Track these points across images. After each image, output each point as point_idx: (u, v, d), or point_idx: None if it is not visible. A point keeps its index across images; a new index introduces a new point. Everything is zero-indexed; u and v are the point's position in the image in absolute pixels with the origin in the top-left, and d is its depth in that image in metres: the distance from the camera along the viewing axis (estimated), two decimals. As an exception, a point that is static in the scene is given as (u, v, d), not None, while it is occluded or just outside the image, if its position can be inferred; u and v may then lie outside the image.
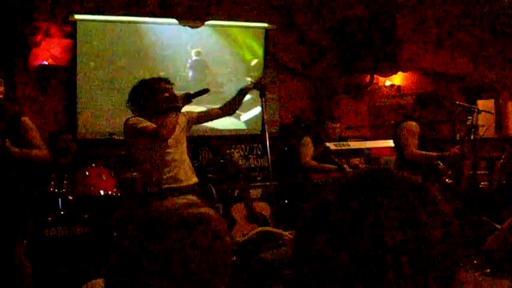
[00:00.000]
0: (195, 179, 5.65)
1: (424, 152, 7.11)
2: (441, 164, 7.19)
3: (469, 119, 7.52)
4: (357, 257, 1.10)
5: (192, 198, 1.86)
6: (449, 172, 7.36)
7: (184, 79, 9.74)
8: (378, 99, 13.56)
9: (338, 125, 8.67)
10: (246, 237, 4.76)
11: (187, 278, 1.62)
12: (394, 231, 1.10)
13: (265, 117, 6.33)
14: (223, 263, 1.71)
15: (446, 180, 7.11)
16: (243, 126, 10.36)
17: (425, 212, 1.14)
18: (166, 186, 5.35)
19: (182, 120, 5.56)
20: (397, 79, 13.42)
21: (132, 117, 5.43)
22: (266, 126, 6.28)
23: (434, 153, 7.13)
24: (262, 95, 6.06)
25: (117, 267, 1.68)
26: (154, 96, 5.40)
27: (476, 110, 7.71)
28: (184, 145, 5.64)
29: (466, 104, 8.10)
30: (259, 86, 6.11)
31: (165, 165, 5.41)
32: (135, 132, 5.25)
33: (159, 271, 1.62)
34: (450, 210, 1.20)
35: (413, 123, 7.25)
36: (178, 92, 5.42)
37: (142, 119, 5.36)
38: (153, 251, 1.63)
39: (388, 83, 13.46)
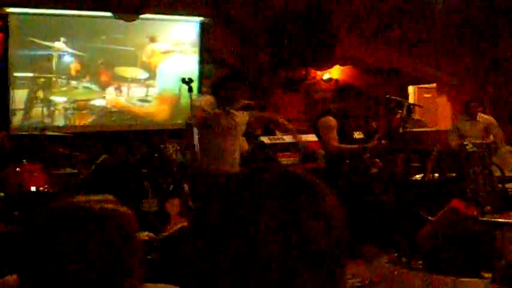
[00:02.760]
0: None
1: (343, 145, 7.19)
2: (367, 155, 7.29)
3: (399, 113, 7.63)
4: (232, 254, 1.11)
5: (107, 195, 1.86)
6: (378, 162, 7.46)
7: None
8: (315, 93, 13.65)
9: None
10: (167, 232, 4.75)
11: (96, 273, 1.62)
12: (272, 229, 1.10)
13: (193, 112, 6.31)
14: (132, 260, 1.71)
15: (373, 170, 7.21)
16: (179, 121, 10.29)
17: (308, 211, 1.14)
18: None
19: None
20: (335, 73, 13.52)
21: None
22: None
23: (355, 146, 7.22)
24: (189, 90, 6.06)
25: (28, 263, 1.67)
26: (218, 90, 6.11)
27: (406, 103, 7.81)
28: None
29: (397, 98, 8.20)
30: (185, 81, 6.13)
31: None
32: None
33: (69, 266, 1.61)
34: (338, 209, 1.20)
35: (330, 117, 7.33)
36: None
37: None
38: (62, 246, 1.63)
39: (326, 76, 13.56)
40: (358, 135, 7.85)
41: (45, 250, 1.63)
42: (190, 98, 6.14)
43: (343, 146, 7.23)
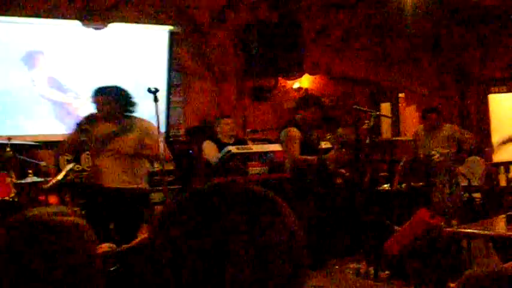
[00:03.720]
0: None
1: (304, 157, 7.21)
2: (330, 165, 7.31)
3: (366, 123, 7.65)
4: (198, 268, 1.12)
5: (62, 207, 1.85)
6: (343, 173, 7.48)
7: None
8: (285, 102, 13.66)
9: (231, 121, 8.53)
10: (130, 244, 4.69)
11: (55, 285, 1.62)
12: (238, 244, 1.11)
13: (159, 121, 6.31)
14: (91, 272, 1.71)
15: (338, 180, 7.23)
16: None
17: (271, 225, 1.16)
18: None
19: None
20: (305, 82, 13.55)
21: None
22: (159, 130, 6.30)
23: (314, 157, 7.23)
24: (155, 100, 6.06)
25: None
26: None
27: (373, 114, 7.83)
28: None
29: (364, 108, 8.23)
30: (151, 91, 6.13)
31: None
32: None
33: (29, 278, 1.61)
34: (296, 222, 1.21)
35: (293, 128, 7.34)
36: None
37: None
38: (22, 258, 1.62)
39: (296, 85, 13.59)
40: (325, 145, 7.87)
41: (6, 263, 1.63)
42: (156, 108, 6.13)
43: (303, 157, 7.23)
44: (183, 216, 1.18)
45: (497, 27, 11.65)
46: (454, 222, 7.75)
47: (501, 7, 11.17)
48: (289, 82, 12.75)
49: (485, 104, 12.51)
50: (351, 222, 7.74)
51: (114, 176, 6.29)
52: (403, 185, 8.73)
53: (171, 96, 10.43)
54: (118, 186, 6.28)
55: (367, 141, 7.61)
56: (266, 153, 8.46)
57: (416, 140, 9.34)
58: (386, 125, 13.26)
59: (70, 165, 7.63)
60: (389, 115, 12.75)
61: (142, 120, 6.52)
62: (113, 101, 6.26)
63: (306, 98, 7.77)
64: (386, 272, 6.68)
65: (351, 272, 6.14)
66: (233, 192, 1.21)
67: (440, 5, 11.33)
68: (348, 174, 7.71)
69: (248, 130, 10.42)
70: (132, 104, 6.41)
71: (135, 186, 6.38)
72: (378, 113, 8.15)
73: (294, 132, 7.33)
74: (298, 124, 7.50)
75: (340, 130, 9.41)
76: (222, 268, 1.11)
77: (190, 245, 1.13)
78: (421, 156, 8.80)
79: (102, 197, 6.32)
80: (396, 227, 7.22)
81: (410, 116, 13.06)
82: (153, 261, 1.19)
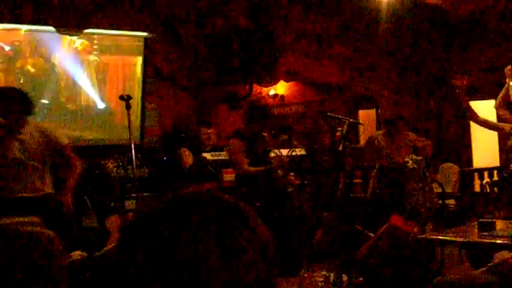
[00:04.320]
0: None
1: (252, 168, 7.17)
2: (279, 172, 7.28)
3: (339, 130, 7.64)
4: (167, 278, 1.09)
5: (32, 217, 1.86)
6: (293, 180, 7.45)
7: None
8: (261, 109, 13.68)
9: (211, 131, 8.41)
10: (102, 251, 4.68)
11: None
12: (208, 254, 1.10)
13: (131, 128, 6.25)
14: (58, 280, 1.71)
15: (289, 188, 7.20)
16: (118, 137, 10.16)
17: (243, 237, 1.15)
18: None
19: None
20: (281, 89, 13.59)
21: None
22: (131, 137, 6.22)
23: (261, 168, 7.19)
24: (127, 107, 6.01)
25: None
26: None
27: (346, 121, 7.81)
28: None
29: (337, 115, 8.21)
30: (124, 98, 6.07)
31: None
32: None
33: None
34: (268, 234, 1.21)
35: (235, 140, 7.30)
36: None
37: None
38: None
39: (272, 92, 13.61)
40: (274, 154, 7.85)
41: None
42: (129, 115, 6.09)
43: (248, 168, 7.18)
44: (151, 226, 1.16)
45: (471, 35, 11.73)
46: (427, 228, 7.77)
47: (474, 16, 11.25)
48: (265, 89, 12.77)
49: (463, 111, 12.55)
50: (308, 227, 7.71)
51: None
52: (377, 192, 8.72)
53: (146, 103, 10.38)
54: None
55: (340, 148, 7.58)
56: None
57: (377, 146, 8.98)
58: (364, 133, 13.31)
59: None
60: (374, 122, 12.81)
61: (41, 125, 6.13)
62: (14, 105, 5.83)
63: (253, 111, 7.74)
64: (360, 279, 6.66)
65: (321, 279, 6.11)
66: (203, 201, 1.20)
67: (415, 12, 11.38)
68: (296, 181, 7.66)
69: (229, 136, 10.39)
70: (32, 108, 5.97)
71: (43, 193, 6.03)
72: (351, 120, 8.10)
73: (237, 143, 7.27)
74: (241, 136, 7.45)
75: (295, 142, 9.33)
76: (192, 278, 1.09)
77: (159, 256, 1.11)
78: (384, 163, 8.72)
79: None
80: (370, 234, 7.22)
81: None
82: (119, 272, 1.16)
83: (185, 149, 8.03)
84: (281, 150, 9.29)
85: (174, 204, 1.21)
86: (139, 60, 10.42)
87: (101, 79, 10.14)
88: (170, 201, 1.22)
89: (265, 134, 7.93)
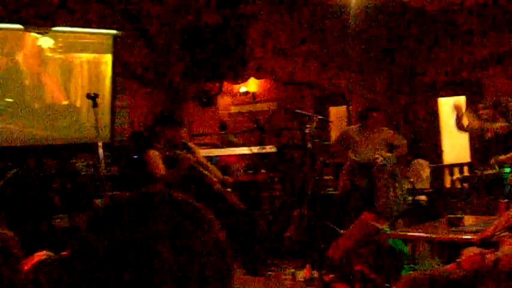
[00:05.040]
0: None
1: (167, 173, 7.02)
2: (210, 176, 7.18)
3: (307, 127, 7.64)
4: (122, 277, 1.10)
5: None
6: (227, 179, 7.38)
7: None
8: (232, 106, 13.67)
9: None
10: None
11: None
12: (162, 252, 1.10)
13: (98, 127, 6.20)
14: (18, 281, 1.73)
15: (219, 187, 7.13)
16: (87, 135, 10.04)
17: (197, 235, 1.16)
18: None
19: None
20: (252, 86, 13.57)
21: None
22: (99, 136, 6.18)
23: (172, 171, 7.05)
24: (94, 105, 5.97)
25: None
26: None
27: (315, 118, 7.82)
28: None
29: (306, 113, 8.22)
30: (91, 96, 6.03)
31: None
32: None
33: None
34: (223, 234, 1.22)
35: (150, 150, 7.19)
36: None
37: None
38: None
39: (243, 89, 13.59)
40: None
41: None
42: (95, 113, 6.05)
43: (171, 174, 7.06)
44: (106, 224, 1.16)
45: (441, 33, 11.78)
46: (398, 224, 7.81)
47: (444, 13, 11.30)
48: (236, 86, 12.74)
49: (434, 107, 12.63)
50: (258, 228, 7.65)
51: None
52: (348, 189, 8.74)
53: (115, 101, 10.29)
54: None
55: (309, 145, 7.58)
56: (211, 158, 8.42)
57: (348, 141, 8.88)
58: (335, 130, 13.35)
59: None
60: (345, 119, 12.85)
61: None
62: None
63: (162, 116, 7.65)
64: (331, 276, 6.67)
65: (290, 277, 6.12)
66: (158, 200, 1.20)
67: (385, 9, 11.42)
68: (231, 180, 7.55)
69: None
70: None
71: None
72: (320, 117, 8.09)
73: (153, 152, 7.15)
74: (157, 142, 7.34)
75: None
76: (146, 276, 1.09)
77: (113, 254, 1.11)
78: (356, 159, 8.71)
79: None
80: (341, 231, 7.24)
81: (355, 120, 13.12)
82: (75, 271, 1.15)
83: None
84: (252, 147, 9.29)
85: (130, 201, 1.21)
86: (108, 58, 10.32)
87: (67, 78, 10.02)
88: (126, 198, 1.22)
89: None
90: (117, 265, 1.10)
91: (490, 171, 7.98)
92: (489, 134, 8.34)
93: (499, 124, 8.25)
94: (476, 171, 8.42)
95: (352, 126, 9.32)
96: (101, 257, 1.11)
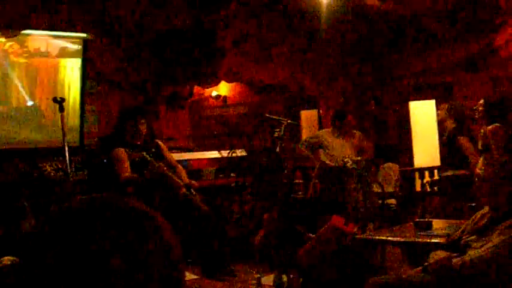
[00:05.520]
0: None
1: (131, 176, 6.95)
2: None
3: (277, 131, 7.64)
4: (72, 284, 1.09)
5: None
6: (194, 184, 7.34)
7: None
8: (203, 110, 13.64)
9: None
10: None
11: None
12: (112, 259, 1.10)
13: (64, 131, 6.16)
14: None
15: (185, 192, 7.09)
16: (54, 139, 9.91)
17: (147, 240, 1.16)
18: None
19: None
20: (224, 90, 13.56)
21: None
22: (65, 139, 6.14)
23: (135, 175, 6.98)
24: (61, 109, 5.94)
25: None
26: None
27: (284, 122, 7.82)
28: None
29: (275, 117, 8.22)
30: (57, 100, 5.99)
31: None
32: None
33: None
34: (174, 238, 1.22)
35: (117, 149, 7.12)
36: None
37: None
38: None
39: (214, 93, 13.58)
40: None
41: None
42: (62, 117, 6.01)
43: (130, 176, 7.00)
44: (55, 232, 1.16)
45: (411, 37, 11.85)
46: (368, 228, 7.83)
47: (415, 17, 11.38)
48: (207, 90, 12.72)
49: (406, 111, 12.72)
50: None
51: None
52: (317, 192, 8.75)
53: (85, 105, 10.22)
54: None
55: (278, 149, 7.58)
56: (181, 161, 8.36)
57: (321, 144, 8.82)
58: (306, 133, 13.37)
59: None
60: (316, 122, 12.87)
61: None
62: None
63: (123, 112, 7.57)
64: (300, 280, 6.67)
65: (255, 282, 6.10)
66: (108, 207, 1.19)
67: (356, 14, 11.46)
68: (196, 184, 7.51)
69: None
70: None
71: None
72: (289, 121, 8.08)
73: (120, 152, 7.08)
74: (125, 140, 7.26)
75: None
76: (97, 283, 1.09)
77: (61, 262, 1.10)
78: (330, 162, 8.73)
79: None
80: (310, 235, 7.24)
81: (326, 123, 13.15)
82: (25, 280, 1.16)
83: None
84: (222, 151, 9.27)
85: (78, 209, 1.20)
86: (78, 61, 10.23)
87: (35, 81, 9.92)
88: (73, 206, 1.21)
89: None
90: (65, 273, 1.09)
91: (457, 173, 8.03)
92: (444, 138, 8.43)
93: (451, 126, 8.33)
94: (443, 174, 8.48)
95: (326, 130, 9.30)
96: (49, 265, 1.10)
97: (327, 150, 8.72)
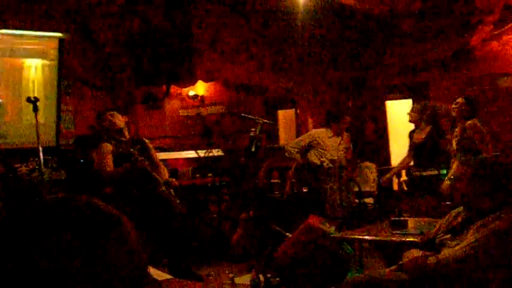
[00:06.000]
0: None
1: (114, 170, 6.93)
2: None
3: (252, 131, 7.62)
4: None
5: None
6: (173, 182, 7.32)
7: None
8: (180, 109, 13.60)
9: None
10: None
11: None
12: (73, 263, 1.08)
13: (38, 131, 6.12)
14: None
15: (163, 189, 7.07)
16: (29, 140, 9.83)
17: (110, 242, 1.13)
18: None
19: None
20: (201, 89, 13.53)
21: None
22: (39, 140, 6.10)
23: (120, 169, 6.95)
24: (34, 109, 5.90)
25: None
26: None
27: (260, 122, 7.79)
28: None
29: (250, 116, 8.20)
30: (31, 100, 5.95)
31: None
32: None
33: None
34: (138, 239, 1.20)
35: (103, 144, 7.09)
36: None
37: None
38: None
39: (191, 93, 13.53)
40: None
41: None
42: (36, 118, 5.97)
43: (114, 170, 6.96)
44: (10, 234, 1.12)
45: (387, 36, 11.89)
46: (345, 227, 7.83)
47: (391, 17, 11.42)
48: (185, 89, 12.68)
49: (382, 110, 12.76)
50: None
51: None
52: (294, 192, 8.76)
53: (61, 105, 10.15)
54: None
55: (253, 149, 7.55)
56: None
57: (315, 144, 8.76)
58: (284, 133, 13.38)
59: None
60: (293, 122, 12.88)
61: None
62: None
63: (100, 116, 7.54)
64: (277, 279, 6.66)
65: (229, 282, 6.08)
66: (69, 208, 1.17)
67: (333, 13, 11.48)
68: (176, 183, 7.48)
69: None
70: None
71: None
72: (265, 120, 8.04)
73: (105, 146, 7.05)
74: (108, 135, 7.23)
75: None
76: (57, 284, 1.06)
77: (24, 260, 1.08)
78: (316, 163, 8.69)
79: None
80: (287, 234, 7.24)
81: (304, 122, 13.16)
82: None
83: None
84: (199, 151, 9.25)
85: (41, 209, 1.17)
86: (53, 61, 10.17)
87: (8, 81, 9.85)
88: (31, 207, 1.18)
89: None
90: (21, 276, 1.07)
91: (430, 173, 8.07)
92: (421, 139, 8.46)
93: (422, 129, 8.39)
94: (415, 172, 8.50)
95: (320, 129, 9.07)
96: (5, 269, 1.08)
97: (320, 150, 8.62)
